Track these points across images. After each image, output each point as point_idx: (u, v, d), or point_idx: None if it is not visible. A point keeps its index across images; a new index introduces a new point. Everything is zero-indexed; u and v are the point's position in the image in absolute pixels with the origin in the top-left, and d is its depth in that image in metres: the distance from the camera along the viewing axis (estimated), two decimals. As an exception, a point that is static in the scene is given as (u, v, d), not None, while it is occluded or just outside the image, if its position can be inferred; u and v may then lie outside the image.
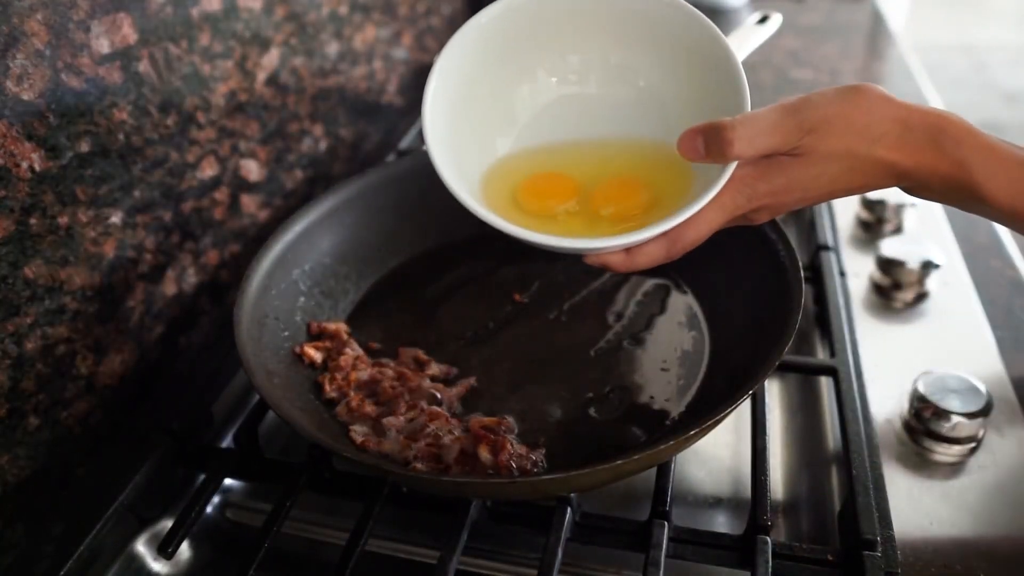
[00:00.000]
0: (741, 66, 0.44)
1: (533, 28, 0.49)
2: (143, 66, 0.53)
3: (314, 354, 0.51)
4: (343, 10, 0.79)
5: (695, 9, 0.46)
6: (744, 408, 0.51)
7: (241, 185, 0.66)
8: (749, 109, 0.42)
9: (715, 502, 0.50)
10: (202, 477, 0.47)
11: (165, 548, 0.42)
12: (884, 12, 1.27)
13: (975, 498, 0.47)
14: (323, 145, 0.79)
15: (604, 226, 0.46)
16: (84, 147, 0.48)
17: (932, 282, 0.63)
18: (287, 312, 0.53)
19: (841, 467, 0.48)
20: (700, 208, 0.41)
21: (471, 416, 0.48)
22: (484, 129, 0.50)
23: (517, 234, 0.42)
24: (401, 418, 0.47)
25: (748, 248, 0.51)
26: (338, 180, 0.73)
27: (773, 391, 0.58)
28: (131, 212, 0.53)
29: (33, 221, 0.45)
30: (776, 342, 0.42)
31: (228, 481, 0.51)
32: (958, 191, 0.40)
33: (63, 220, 0.47)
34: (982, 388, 0.50)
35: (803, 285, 0.45)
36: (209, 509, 0.50)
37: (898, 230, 0.71)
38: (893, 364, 0.56)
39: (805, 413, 0.56)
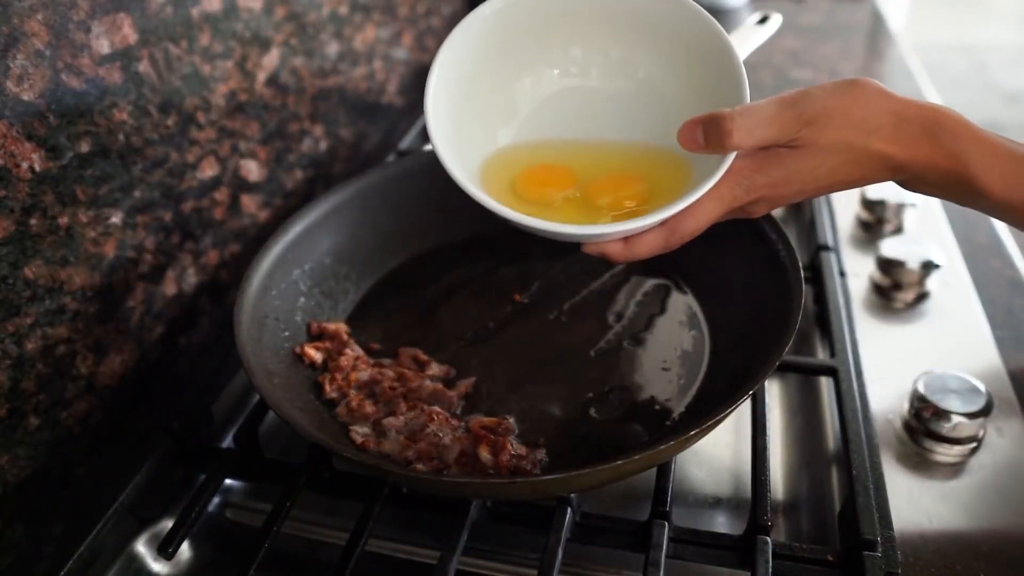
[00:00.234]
0: (741, 60, 0.44)
1: (535, 22, 0.49)
2: (143, 66, 0.53)
3: (314, 354, 0.51)
4: (343, 10, 0.79)
5: (696, 4, 0.46)
6: (744, 408, 0.51)
7: (241, 185, 0.66)
8: (748, 102, 0.43)
9: (715, 502, 0.50)
10: (202, 477, 0.47)
11: (165, 548, 0.42)
12: (884, 12, 1.27)
13: (975, 498, 0.47)
14: (323, 145, 0.79)
15: (602, 215, 0.46)
16: (84, 147, 0.48)
17: (932, 282, 0.63)
18: (287, 312, 0.53)
19: (841, 467, 0.48)
20: (699, 197, 0.41)
21: (471, 416, 0.48)
22: (486, 119, 0.50)
23: (515, 219, 0.42)
24: (401, 418, 0.47)
25: (748, 248, 0.51)
26: (338, 180, 0.74)
27: (773, 391, 0.58)
28: (131, 212, 0.53)
29: (33, 221, 0.45)
30: (776, 342, 0.42)
31: (228, 481, 0.51)
32: (954, 184, 0.41)
33: (63, 220, 0.47)
34: (982, 388, 0.50)
35: (803, 285, 0.45)
36: (209, 509, 0.50)
37: (898, 230, 0.71)
38: (893, 364, 0.56)
39: (805, 413, 0.56)
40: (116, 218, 0.52)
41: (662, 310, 0.56)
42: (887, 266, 0.62)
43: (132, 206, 0.53)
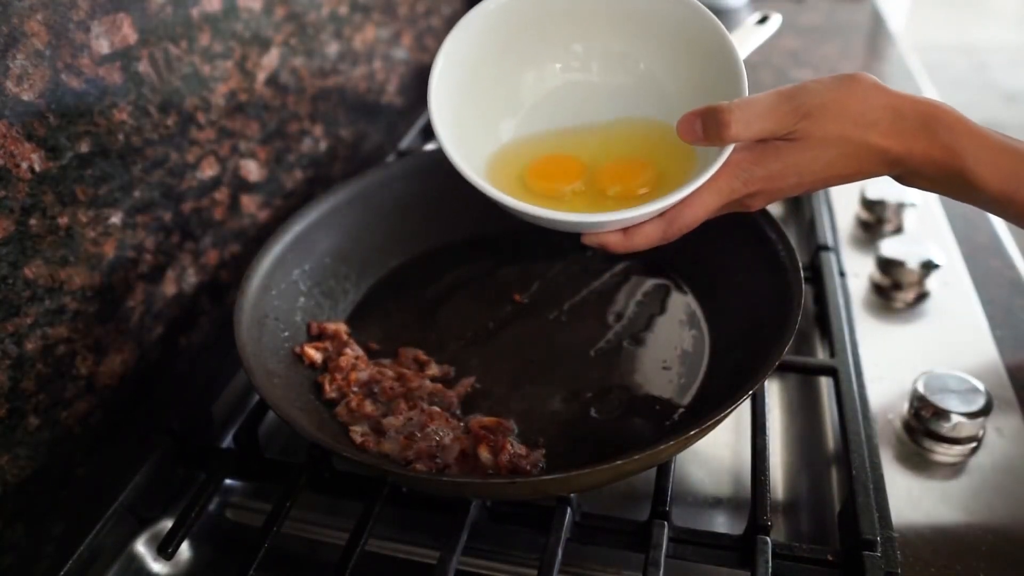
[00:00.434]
0: (740, 57, 0.45)
1: (537, 17, 0.50)
2: (143, 66, 0.53)
3: (314, 354, 0.51)
4: (343, 10, 0.79)
5: (697, 2, 0.47)
6: (744, 408, 0.51)
7: (241, 185, 0.66)
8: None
9: (715, 502, 0.50)
10: (202, 477, 0.47)
11: (165, 548, 0.42)
12: (884, 12, 1.27)
13: (975, 498, 0.47)
14: (323, 145, 0.79)
15: (609, 205, 0.47)
16: (84, 147, 0.48)
17: (932, 282, 0.63)
18: (287, 312, 0.53)
19: (841, 467, 0.48)
20: (696, 188, 0.42)
21: (471, 416, 0.48)
22: (489, 112, 0.51)
23: (519, 208, 0.43)
24: (401, 418, 0.47)
25: (748, 248, 0.51)
26: (338, 180, 0.74)
27: (773, 391, 0.58)
28: (131, 212, 0.53)
29: (33, 221, 0.45)
30: (776, 342, 0.42)
31: (228, 481, 0.51)
32: (949, 177, 0.41)
33: (63, 220, 0.47)
34: (982, 388, 0.50)
35: (803, 285, 0.45)
36: (209, 509, 0.50)
37: (898, 230, 0.71)
38: (893, 364, 0.56)
39: (805, 413, 0.56)
40: (116, 218, 0.52)
41: (662, 310, 0.56)
42: (887, 266, 0.62)
43: (132, 206, 0.53)
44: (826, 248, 0.63)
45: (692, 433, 0.37)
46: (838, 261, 0.63)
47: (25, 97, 0.44)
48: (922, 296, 0.63)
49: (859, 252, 0.68)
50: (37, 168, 0.45)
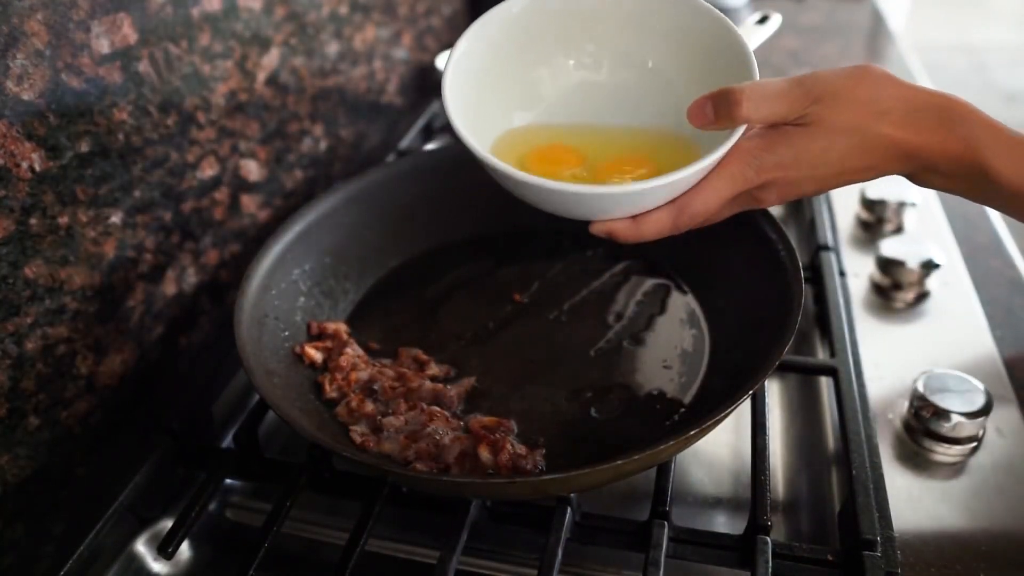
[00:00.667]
0: (750, 49, 0.45)
1: (553, 20, 0.52)
2: (143, 66, 0.53)
3: (314, 354, 0.51)
4: (343, 10, 0.79)
5: (707, 4, 0.47)
6: (744, 408, 0.51)
7: (241, 185, 0.66)
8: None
9: (715, 502, 0.50)
10: (202, 477, 0.47)
11: (165, 548, 0.42)
12: (884, 12, 1.27)
13: (975, 498, 0.47)
14: (323, 145, 0.79)
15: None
16: (84, 147, 0.48)
17: (932, 282, 0.63)
18: (287, 312, 0.53)
19: (841, 467, 0.48)
20: (708, 175, 0.42)
21: (471, 416, 0.48)
22: (501, 104, 0.52)
23: (520, 179, 0.42)
24: (401, 418, 0.47)
25: (748, 248, 0.51)
26: (338, 180, 0.74)
27: (773, 391, 0.58)
28: (131, 212, 0.53)
29: (33, 221, 0.45)
30: (776, 342, 0.42)
31: (228, 481, 0.51)
32: (967, 172, 0.40)
33: (63, 220, 0.47)
34: (982, 388, 0.50)
35: (803, 285, 0.45)
36: (209, 509, 0.50)
37: (898, 230, 0.71)
38: (893, 364, 0.56)
39: (805, 413, 0.56)
40: (116, 218, 0.52)
41: (662, 310, 0.56)
42: (887, 266, 0.62)
43: (132, 206, 0.53)
44: (826, 248, 0.63)
45: (692, 433, 0.37)
46: (838, 261, 0.63)
47: (25, 97, 0.44)
48: (922, 296, 0.63)
49: (859, 252, 0.68)
50: (37, 168, 0.45)
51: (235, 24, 0.62)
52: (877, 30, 1.21)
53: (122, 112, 0.51)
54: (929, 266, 0.62)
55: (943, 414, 0.49)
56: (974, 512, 0.46)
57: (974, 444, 0.50)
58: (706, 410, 0.39)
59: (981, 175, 0.40)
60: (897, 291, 0.63)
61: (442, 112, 0.91)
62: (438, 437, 0.45)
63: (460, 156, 0.49)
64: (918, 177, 0.42)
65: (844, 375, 0.50)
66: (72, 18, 0.46)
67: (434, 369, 0.52)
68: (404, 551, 0.48)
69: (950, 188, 0.42)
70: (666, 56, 0.51)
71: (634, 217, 0.45)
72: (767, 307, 0.47)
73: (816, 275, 0.61)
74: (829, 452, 0.52)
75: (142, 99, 0.53)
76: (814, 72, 0.42)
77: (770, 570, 0.39)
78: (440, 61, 0.99)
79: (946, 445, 0.49)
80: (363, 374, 0.50)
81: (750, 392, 0.39)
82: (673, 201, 0.44)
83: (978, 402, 0.49)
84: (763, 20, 0.61)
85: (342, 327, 0.54)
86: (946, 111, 0.40)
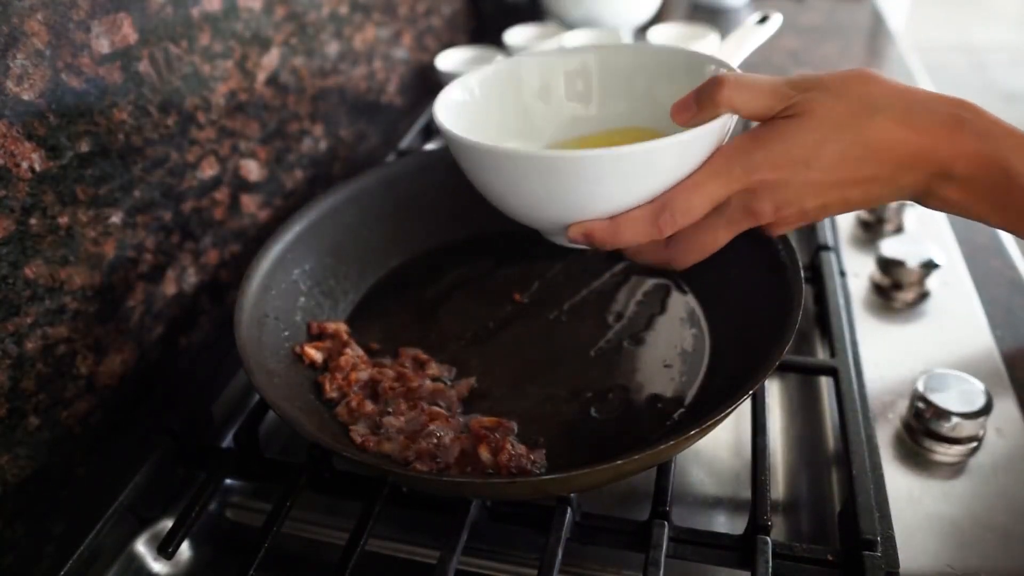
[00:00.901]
0: (734, 65, 0.46)
1: (540, 80, 0.55)
2: (143, 66, 0.53)
3: (314, 354, 0.51)
4: (343, 10, 0.79)
5: (681, 49, 0.49)
6: (744, 408, 0.51)
7: (241, 185, 0.66)
8: None
9: (715, 502, 0.50)
10: (202, 477, 0.47)
11: (165, 548, 0.42)
12: (884, 12, 1.27)
13: (975, 498, 0.47)
14: (323, 145, 0.79)
15: None
16: (84, 147, 0.48)
17: (932, 282, 0.63)
18: (287, 312, 0.53)
19: (841, 467, 0.48)
20: (689, 140, 0.39)
21: (471, 416, 0.48)
22: (493, 133, 0.52)
23: (501, 151, 0.41)
24: (401, 418, 0.47)
25: (748, 248, 0.51)
26: (338, 180, 0.73)
27: (773, 391, 0.58)
28: (131, 212, 0.53)
29: (33, 221, 0.45)
30: (776, 342, 0.42)
31: (228, 481, 0.51)
32: (985, 172, 0.36)
33: (63, 220, 0.47)
34: (982, 388, 0.50)
35: (803, 285, 0.45)
36: (209, 509, 0.50)
37: (898, 230, 0.71)
38: (893, 364, 0.56)
39: (805, 413, 0.56)
40: (116, 218, 0.52)
41: (662, 310, 0.56)
42: (887, 266, 0.62)
43: (132, 206, 0.53)
44: (826, 248, 0.63)
45: (692, 433, 0.37)
46: (838, 261, 0.63)
47: (25, 97, 0.44)
48: (922, 296, 0.63)
49: (859, 252, 0.68)
50: (37, 168, 0.45)
51: (235, 24, 0.62)
52: (877, 30, 1.21)
53: (122, 112, 0.51)
54: (929, 266, 0.62)
55: (943, 414, 0.49)
56: (974, 512, 0.46)
57: (974, 444, 0.50)
58: (706, 410, 0.39)
59: (1002, 175, 0.36)
60: (897, 291, 0.63)
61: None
62: (438, 437, 0.45)
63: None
64: (931, 190, 0.38)
65: (844, 375, 0.50)
66: (72, 18, 0.46)
67: (434, 369, 0.52)
68: (404, 551, 0.48)
69: (966, 202, 0.38)
70: (656, 99, 0.51)
71: (612, 218, 0.42)
72: (767, 307, 0.47)
73: (816, 275, 0.61)
74: (829, 452, 0.52)
75: (142, 99, 0.53)
76: (803, 73, 0.41)
77: (770, 570, 0.39)
78: (440, 61, 0.99)
79: (946, 445, 0.49)
80: (363, 374, 0.50)
81: (750, 392, 0.39)
82: (653, 201, 0.41)
83: (978, 402, 0.49)
84: (763, 20, 0.61)
85: (342, 327, 0.54)
86: (952, 107, 0.37)
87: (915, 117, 0.37)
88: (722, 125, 0.41)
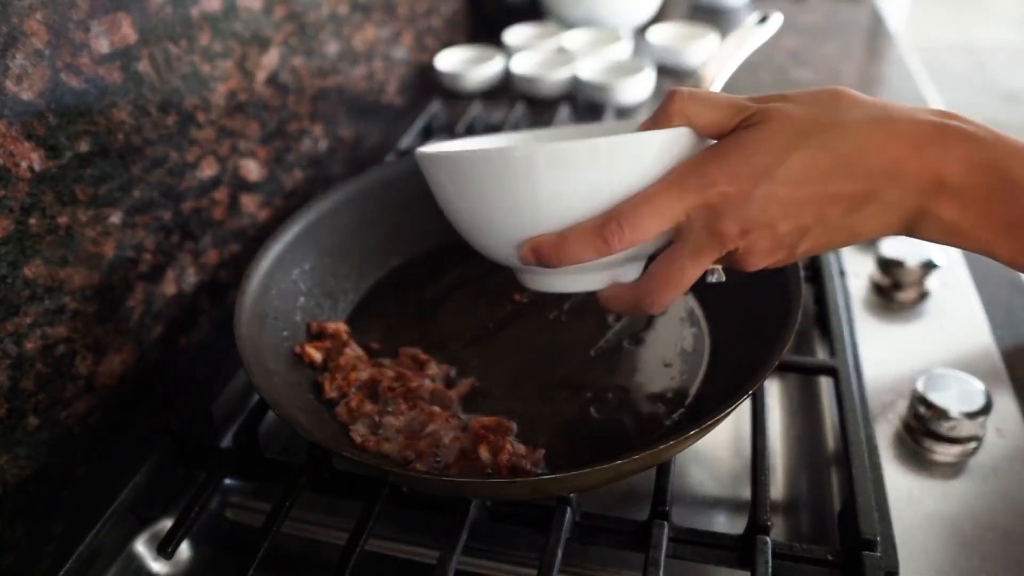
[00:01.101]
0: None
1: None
2: (143, 66, 0.53)
3: (314, 354, 0.51)
4: (343, 10, 0.79)
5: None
6: (744, 408, 0.51)
7: (241, 185, 0.66)
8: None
9: (715, 502, 0.50)
10: (202, 477, 0.47)
11: (165, 548, 0.42)
12: (884, 12, 1.27)
13: (975, 498, 0.47)
14: (323, 145, 0.79)
15: None
16: (84, 147, 0.48)
17: (932, 282, 0.63)
18: (287, 312, 0.53)
19: (841, 467, 0.48)
20: (633, 141, 0.36)
21: (471, 416, 0.48)
22: None
23: (444, 155, 0.41)
24: (401, 418, 0.47)
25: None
26: (338, 180, 0.73)
27: (773, 391, 0.58)
28: (131, 212, 0.53)
29: (33, 221, 0.45)
30: (776, 342, 0.42)
31: (228, 481, 0.51)
32: (982, 176, 0.32)
33: (63, 220, 0.47)
34: (982, 388, 0.50)
35: (803, 285, 0.45)
36: (209, 509, 0.50)
37: (898, 230, 0.71)
38: (893, 364, 0.56)
39: (805, 413, 0.56)
40: (116, 218, 0.52)
41: (662, 310, 0.56)
42: (887, 266, 0.62)
43: (132, 206, 0.53)
44: (826, 248, 0.63)
45: (692, 433, 0.37)
46: (838, 261, 0.63)
47: (25, 96, 0.44)
48: (922, 296, 0.63)
49: (859, 252, 0.68)
50: (37, 168, 0.45)
51: (235, 24, 0.62)
52: (877, 30, 1.21)
53: (122, 112, 0.51)
54: (929, 266, 0.62)
55: (943, 414, 0.49)
56: (974, 512, 0.46)
57: (974, 444, 0.50)
58: (706, 410, 0.39)
59: (1001, 181, 0.32)
60: (897, 291, 0.63)
61: (441, 112, 0.91)
62: (438, 437, 0.45)
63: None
64: (925, 210, 0.33)
65: (844, 375, 0.50)
66: (72, 18, 0.46)
67: (434, 369, 0.52)
68: (404, 551, 0.48)
69: (967, 222, 0.33)
70: None
71: (559, 232, 0.39)
72: (767, 307, 0.47)
73: (816, 275, 0.61)
74: (829, 452, 0.52)
75: (142, 99, 0.53)
76: None
77: (770, 570, 0.39)
78: (440, 61, 0.99)
79: (946, 445, 0.49)
80: (363, 374, 0.50)
81: (750, 392, 0.39)
82: (605, 215, 0.38)
83: (978, 402, 0.49)
84: (763, 20, 0.61)
85: (342, 327, 0.54)
86: (934, 115, 0.33)
87: (893, 124, 0.33)
88: (676, 135, 0.37)
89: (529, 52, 1.01)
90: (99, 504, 0.46)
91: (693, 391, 0.49)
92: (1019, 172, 0.32)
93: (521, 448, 0.44)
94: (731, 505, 0.49)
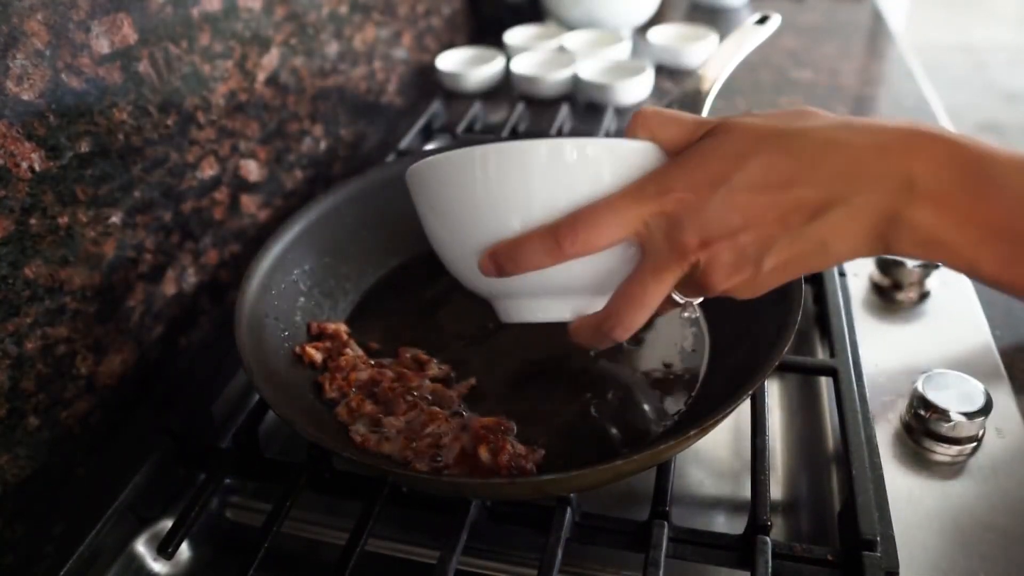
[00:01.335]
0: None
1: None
2: (143, 66, 0.53)
3: (314, 354, 0.51)
4: (343, 10, 0.79)
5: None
6: (744, 408, 0.50)
7: (241, 185, 0.66)
8: None
9: (715, 502, 0.50)
10: (202, 477, 0.47)
11: (165, 548, 0.42)
12: (884, 12, 1.27)
13: (975, 498, 0.47)
14: (323, 145, 0.79)
15: None
16: (84, 147, 0.48)
17: (932, 282, 0.63)
18: (287, 312, 0.53)
19: (841, 467, 0.48)
20: (592, 145, 0.36)
21: (471, 416, 0.48)
22: None
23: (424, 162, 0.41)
24: (401, 418, 0.47)
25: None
26: (338, 180, 0.74)
27: (773, 391, 0.58)
28: (131, 212, 0.53)
29: (33, 221, 0.45)
30: (776, 342, 0.42)
31: (228, 481, 0.51)
32: (960, 171, 0.30)
33: (63, 220, 0.47)
34: (982, 388, 0.50)
35: (803, 285, 0.45)
36: (209, 509, 0.50)
37: (898, 230, 0.71)
38: (893, 364, 0.56)
39: (805, 413, 0.56)
40: (116, 218, 0.52)
41: (662, 310, 0.56)
42: (887, 266, 0.62)
43: (132, 206, 0.53)
44: (826, 248, 0.63)
45: (692, 433, 0.37)
46: (838, 261, 0.63)
47: (25, 97, 0.44)
48: (922, 296, 0.63)
49: (859, 252, 0.68)
50: (37, 168, 0.45)
51: (235, 24, 0.62)
52: (877, 30, 1.21)
53: (122, 112, 0.51)
54: (929, 266, 0.62)
55: (943, 414, 0.49)
56: (974, 512, 0.46)
57: (974, 444, 0.50)
58: (706, 410, 0.39)
59: (972, 176, 0.30)
60: (897, 291, 0.63)
61: (442, 112, 0.91)
62: (438, 437, 0.45)
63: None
64: (898, 214, 0.31)
65: (844, 375, 0.50)
66: (72, 18, 0.46)
67: (434, 369, 0.52)
68: (404, 551, 0.48)
69: (944, 225, 0.31)
70: None
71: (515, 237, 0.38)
72: (767, 307, 0.47)
73: (816, 275, 0.61)
74: (829, 452, 0.52)
75: (142, 99, 0.53)
76: None
77: (770, 570, 0.39)
78: (440, 62, 0.99)
79: (946, 445, 0.49)
80: (363, 374, 0.50)
81: (750, 392, 0.39)
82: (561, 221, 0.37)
83: (978, 402, 0.49)
84: (763, 20, 0.61)
85: (342, 327, 0.54)
86: (902, 122, 0.32)
87: (855, 129, 0.32)
88: (637, 146, 0.37)
89: (529, 52, 1.01)
90: (99, 504, 0.46)
91: (693, 391, 0.49)
92: (993, 169, 0.30)
93: (521, 448, 0.44)
94: (731, 505, 0.49)
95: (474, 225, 0.40)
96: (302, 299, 0.55)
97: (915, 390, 0.51)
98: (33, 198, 0.45)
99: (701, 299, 0.40)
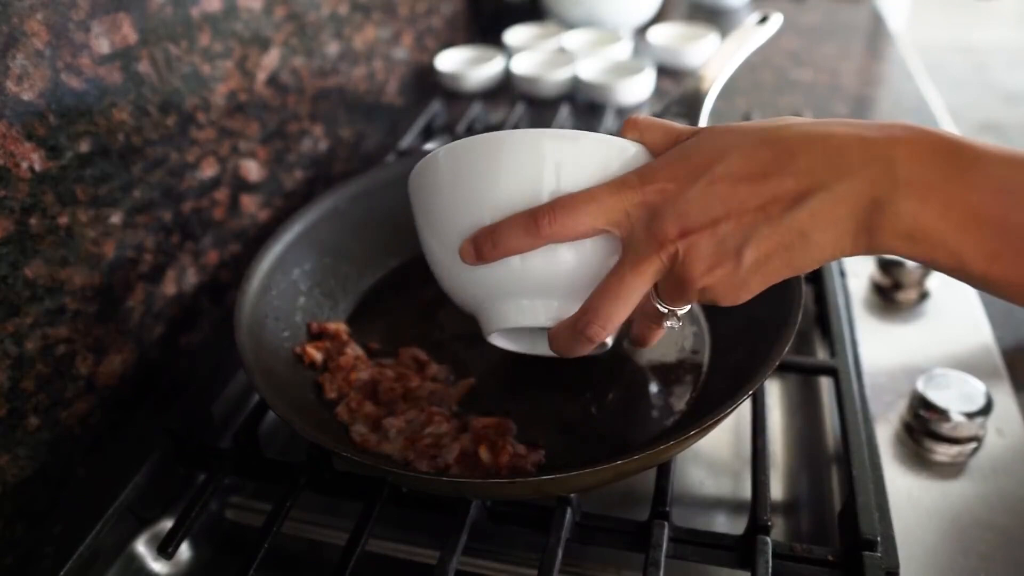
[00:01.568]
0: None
1: None
2: (143, 66, 0.53)
3: (314, 354, 0.51)
4: (343, 10, 0.79)
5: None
6: (744, 408, 0.51)
7: (241, 185, 0.66)
8: None
9: (715, 502, 0.50)
10: (202, 477, 0.47)
11: (165, 548, 0.42)
12: (884, 12, 1.27)
13: (975, 498, 0.47)
14: (323, 145, 0.79)
15: None
16: (84, 147, 0.48)
17: (932, 282, 0.63)
18: (287, 312, 0.53)
19: (841, 467, 0.48)
20: (580, 137, 0.37)
21: (471, 416, 0.48)
22: None
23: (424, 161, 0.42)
24: (401, 418, 0.47)
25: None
26: (338, 180, 0.74)
27: (773, 391, 0.58)
28: (131, 212, 0.53)
29: (33, 221, 0.45)
30: (776, 342, 0.42)
31: (228, 481, 0.51)
32: (943, 156, 0.30)
33: (63, 220, 0.47)
34: (982, 388, 0.50)
35: (803, 285, 0.45)
36: (209, 509, 0.50)
37: (898, 230, 0.71)
38: (893, 364, 0.56)
39: (805, 413, 0.56)
40: (116, 218, 0.52)
41: (662, 310, 0.56)
42: (887, 266, 0.62)
43: (132, 206, 0.53)
44: (826, 248, 0.63)
45: (692, 433, 0.37)
46: (838, 261, 0.63)
47: (25, 97, 0.44)
48: (922, 296, 0.63)
49: (859, 252, 0.68)
50: (37, 168, 0.45)
51: (235, 24, 0.62)
52: (877, 30, 1.21)
53: (122, 112, 0.51)
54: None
55: (943, 414, 0.49)
56: (974, 512, 0.46)
57: (974, 444, 0.50)
58: (706, 410, 0.39)
59: (954, 162, 0.30)
60: (897, 291, 0.63)
61: (442, 112, 0.91)
62: (438, 437, 0.45)
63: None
64: (880, 201, 0.30)
65: (844, 375, 0.50)
66: (72, 18, 0.46)
67: (434, 369, 0.52)
68: (404, 551, 0.48)
69: (929, 216, 0.30)
70: None
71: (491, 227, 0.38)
72: (767, 307, 0.47)
73: (816, 275, 0.61)
74: (829, 452, 0.52)
75: (142, 99, 0.53)
76: None
77: (770, 570, 0.39)
78: (440, 62, 0.99)
79: (946, 445, 0.49)
80: (363, 374, 0.50)
81: (750, 392, 0.39)
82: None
83: (978, 402, 0.49)
84: (763, 20, 0.61)
85: (342, 327, 0.54)
86: (891, 121, 0.32)
87: (838, 124, 0.33)
88: (623, 144, 0.38)
89: (529, 52, 1.01)
90: (99, 504, 0.46)
91: (693, 391, 0.49)
92: (976, 160, 0.30)
93: (521, 448, 0.44)
94: (731, 505, 0.49)
95: (459, 216, 0.41)
96: (302, 299, 0.55)
97: (915, 390, 0.51)
98: (33, 198, 0.45)
99: (686, 308, 0.40)
